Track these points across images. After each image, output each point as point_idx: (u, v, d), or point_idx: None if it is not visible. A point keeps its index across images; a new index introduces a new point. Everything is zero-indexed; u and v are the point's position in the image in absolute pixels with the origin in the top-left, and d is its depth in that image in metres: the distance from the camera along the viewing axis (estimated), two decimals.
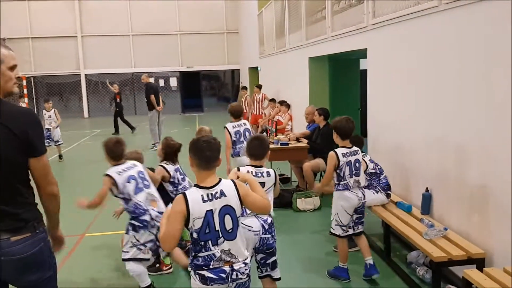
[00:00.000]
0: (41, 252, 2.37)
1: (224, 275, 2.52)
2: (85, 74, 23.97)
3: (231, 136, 6.13)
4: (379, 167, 5.04)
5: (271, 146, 7.03)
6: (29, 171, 2.34)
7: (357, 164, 4.28)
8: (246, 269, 2.59)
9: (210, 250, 2.50)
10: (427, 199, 4.55)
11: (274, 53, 13.80)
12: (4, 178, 2.24)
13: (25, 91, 22.57)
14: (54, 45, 23.49)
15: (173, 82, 24.93)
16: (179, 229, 2.47)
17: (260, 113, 13.39)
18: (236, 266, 2.55)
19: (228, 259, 2.53)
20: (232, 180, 2.63)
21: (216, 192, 2.51)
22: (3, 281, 2.36)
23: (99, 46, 23.82)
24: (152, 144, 12.57)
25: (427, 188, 4.58)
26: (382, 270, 4.47)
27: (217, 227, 2.49)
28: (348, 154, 4.24)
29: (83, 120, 23.23)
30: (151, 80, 14.54)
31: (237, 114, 6.26)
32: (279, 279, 3.56)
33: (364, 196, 4.35)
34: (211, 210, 2.48)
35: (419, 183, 4.79)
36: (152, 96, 12.57)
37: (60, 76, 23.88)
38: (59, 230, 2.64)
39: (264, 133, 7.91)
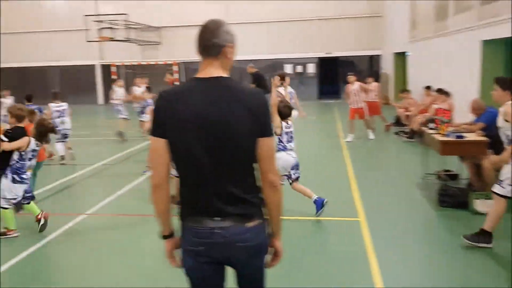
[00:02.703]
0: (265, 238, 2.32)
1: None
2: None
3: None
4: None
5: (443, 138, 6.42)
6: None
7: None
8: None
9: None
10: None
11: (430, 37, 12.73)
12: (237, 156, 2.17)
13: (176, 75, 24.39)
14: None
15: (311, 68, 24.76)
16: None
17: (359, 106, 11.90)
18: None
19: None
20: None
21: None
22: (226, 265, 2.32)
23: (242, 34, 24.51)
24: None
25: None
26: None
27: None
28: None
29: None
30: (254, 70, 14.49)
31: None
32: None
33: None
34: None
35: None
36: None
37: None
38: (279, 240, 2.40)
39: (431, 124, 7.22)
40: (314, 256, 4.88)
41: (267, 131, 2.21)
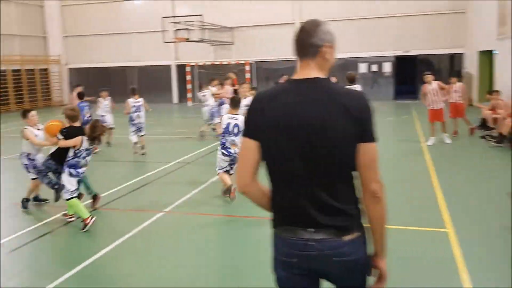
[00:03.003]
0: (365, 253, 2.11)
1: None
2: None
3: None
4: None
5: None
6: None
7: None
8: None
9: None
10: None
11: None
12: (334, 162, 2.00)
13: (248, 75, 24.53)
14: (273, 33, 24.77)
15: (387, 67, 23.86)
16: None
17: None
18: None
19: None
20: None
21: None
22: (319, 279, 2.16)
23: None
24: None
25: None
26: None
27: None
28: None
29: None
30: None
31: None
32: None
33: None
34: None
35: None
36: None
37: (279, 62, 25.14)
38: (384, 259, 2.16)
39: None
40: (403, 267, 4.55)
41: (369, 136, 2.02)
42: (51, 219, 6.47)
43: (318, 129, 1.97)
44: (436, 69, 24.45)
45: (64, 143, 5.90)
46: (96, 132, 6.06)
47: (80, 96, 11.60)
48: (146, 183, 8.37)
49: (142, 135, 10.84)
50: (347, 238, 2.03)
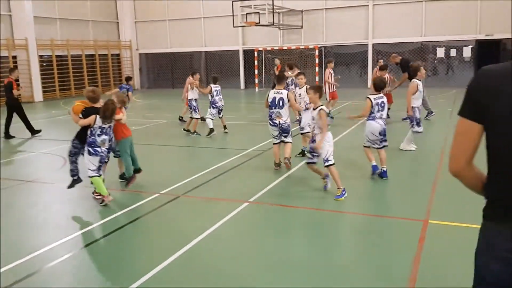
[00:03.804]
0: None
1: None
2: (373, 44, 23.67)
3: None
4: None
5: None
6: None
7: None
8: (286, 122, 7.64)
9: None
10: None
11: None
12: None
13: (317, 60, 23.87)
14: (344, 15, 23.88)
15: (467, 52, 22.27)
16: None
17: None
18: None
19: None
20: None
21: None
22: None
23: (389, 15, 23.07)
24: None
25: None
26: None
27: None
28: None
29: (367, 90, 23.16)
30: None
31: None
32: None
33: None
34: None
35: None
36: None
37: (348, 46, 24.25)
38: None
39: None
40: None
41: None
42: (136, 205, 6.41)
43: None
44: None
45: (81, 121, 6.28)
46: (107, 111, 6.23)
47: (127, 79, 13.38)
48: (226, 170, 8.16)
49: (221, 117, 11.75)
50: None
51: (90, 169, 6.29)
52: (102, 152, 6.34)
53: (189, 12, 27.19)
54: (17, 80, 13.71)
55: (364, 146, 7.40)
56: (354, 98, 18.35)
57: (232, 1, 21.78)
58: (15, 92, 12.23)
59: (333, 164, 6.31)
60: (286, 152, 7.75)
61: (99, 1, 27.55)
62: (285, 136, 7.89)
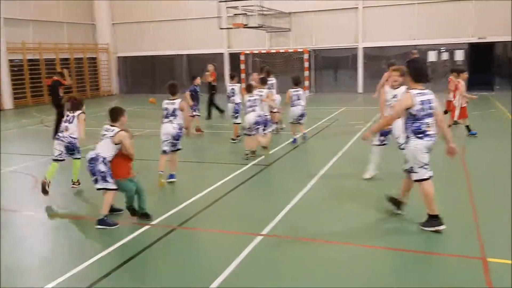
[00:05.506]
0: None
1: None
2: (363, 48, 22.86)
3: None
4: None
5: None
6: None
7: None
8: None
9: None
10: None
11: None
12: None
13: (306, 64, 22.94)
14: (333, 18, 23.02)
15: (459, 55, 21.68)
16: None
17: None
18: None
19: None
20: None
21: None
22: None
23: (379, 18, 22.33)
24: None
25: None
26: None
27: None
28: None
29: (357, 95, 22.28)
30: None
31: None
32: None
33: None
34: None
35: None
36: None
37: (336, 50, 23.40)
38: None
39: None
40: None
41: None
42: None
43: None
44: None
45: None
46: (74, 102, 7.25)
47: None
48: (225, 192, 7.03)
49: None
50: None
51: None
52: (62, 137, 7.02)
53: (171, 13, 25.92)
54: None
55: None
56: (348, 104, 17.40)
57: (219, 1, 20.63)
58: None
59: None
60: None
61: (75, 2, 26.01)
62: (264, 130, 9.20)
